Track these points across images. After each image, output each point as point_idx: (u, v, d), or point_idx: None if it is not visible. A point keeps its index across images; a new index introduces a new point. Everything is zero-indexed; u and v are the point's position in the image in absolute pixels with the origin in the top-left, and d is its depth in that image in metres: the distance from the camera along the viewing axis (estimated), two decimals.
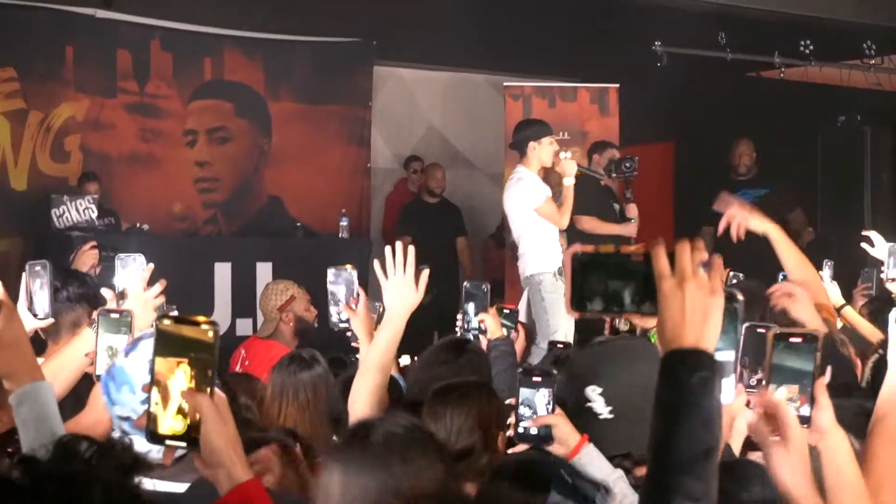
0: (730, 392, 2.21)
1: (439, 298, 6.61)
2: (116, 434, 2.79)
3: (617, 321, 5.95)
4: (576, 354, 3.17)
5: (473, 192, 11.88)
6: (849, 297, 6.28)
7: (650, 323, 3.05)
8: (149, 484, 1.70)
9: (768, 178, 10.23)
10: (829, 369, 2.44)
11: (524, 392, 2.99)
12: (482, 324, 4.75)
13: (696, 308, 1.86)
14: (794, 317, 4.07)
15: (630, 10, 9.74)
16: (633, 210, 9.10)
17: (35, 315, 3.60)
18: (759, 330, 3.46)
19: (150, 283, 3.54)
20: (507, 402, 3.07)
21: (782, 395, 2.32)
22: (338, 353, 5.43)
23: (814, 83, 10.81)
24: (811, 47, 10.15)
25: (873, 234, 5.96)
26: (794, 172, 10.45)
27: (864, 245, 6.00)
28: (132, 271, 3.52)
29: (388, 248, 3.56)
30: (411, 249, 3.55)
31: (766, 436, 2.22)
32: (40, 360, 3.07)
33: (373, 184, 11.79)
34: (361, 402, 3.44)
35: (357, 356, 4.79)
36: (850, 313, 5.43)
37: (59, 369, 3.28)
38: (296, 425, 4.34)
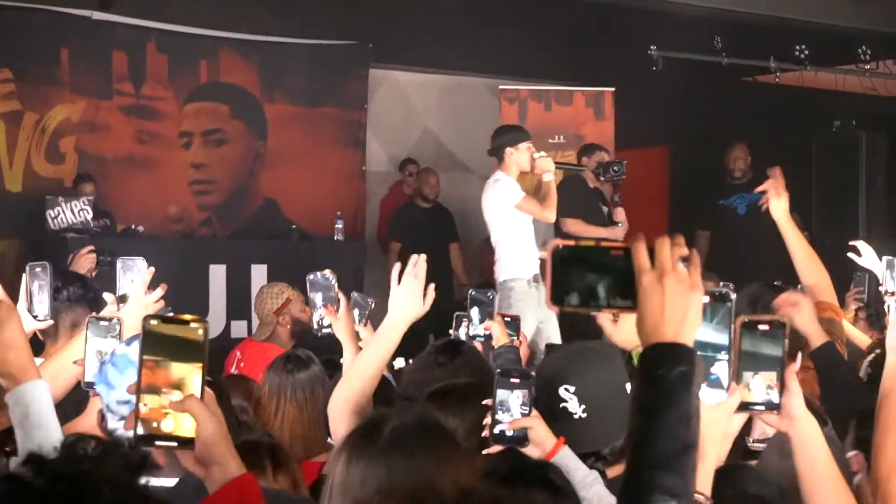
0: (720, 392, 2.23)
1: (433, 303, 6.63)
2: (112, 421, 2.81)
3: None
4: (547, 356, 3.20)
5: (468, 195, 11.88)
6: (841, 302, 6.32)
7: (629, 345, 3.10)
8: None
9: (763, 183, 10.24)
10: (799, 356, 2.47)
11: (501, 393, 2.99)
12: (487, 331, 4.77)
13: (676, 303, 1.86)
14: (797, 326, 4.08)
15: (626, 15, 9.78)
16: (620, 214, 9.09)
17: (35, 317, 3.59)
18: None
19: (150, 286, 3.54)
20: (484, 403, 3.04)
21: (758, 384, 2.34)
22: (331, 355, 5.47)
23: (809, 88, 10.87)
24: (806, 52, 10.20)
25: (861, 244, 5.98)
26: (788, 177, 10.39)
27: (851, 255, 6.01)
28: (134, 275, 3.52)
29: (412, 257, 3.52)
30: (423, 260, 3.53)
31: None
32: (38, 361, 3.12)
33: (368, 187, 11.81)
34: (340, 406, 3.39)
35: None
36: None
37: (59, 371, 3.30)
38: (293, 425, 4.37)
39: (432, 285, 3.50)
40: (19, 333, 2.72)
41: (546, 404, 3.05)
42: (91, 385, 3.05)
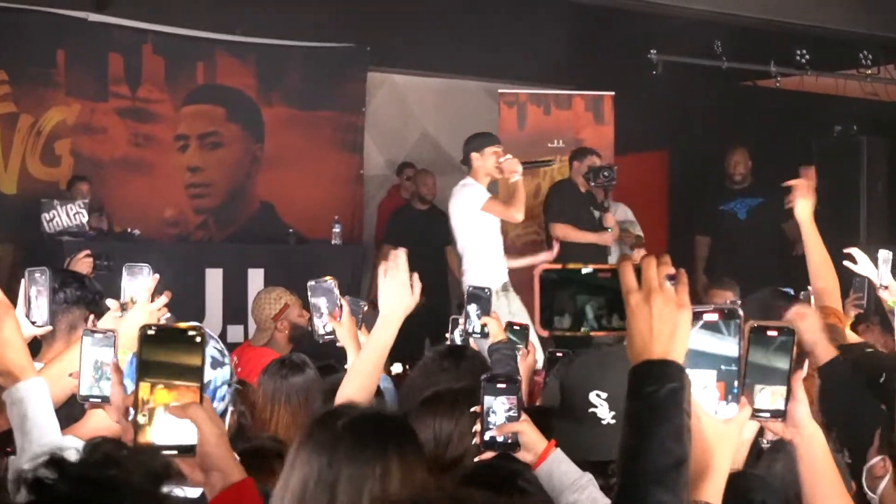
0: (733, 406, 2.25)
1: (429, 306, 6.67)
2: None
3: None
4: (576, 360, 3.22)
5: None
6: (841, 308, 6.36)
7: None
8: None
9: (763, 188, 10.29)
10: (806, 363, 2.48)
11: (488, 400, 3.00)
12: (485, 327, 4.79)
13: (664, 321, 1.90)
14: (805, 339, 4.09)
15: (626, 18, 9.80)
16: (609, 219, 9.07)
17: (33, 322, 3.59)
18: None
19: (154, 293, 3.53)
20: (472, 409, 3.06)
21: (766, 398, 2.36)
22: (329, 360, 5.51)
23: (809, 93, 10.88)
24: (807, 56, 10.22)
25: (855, 252, 6.01)
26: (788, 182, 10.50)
27: (847, 263, 6.05)
28: (139, 282, 3.53)
29: (391, 251, 3.58)
30: (402, 252, 3.56)
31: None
32: (38, 366, 3.15)
33: (366, 190, 11.84)
34: (346, 398, 3.39)
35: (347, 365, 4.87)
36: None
37: (59, 375, 3.31)
38: (288, 430, 4.40)
39: (416, 275, 3.54)
40: (17, 332, 2.75)
41: (572, 409, 3.06)
42: (87, 399, 3.06)
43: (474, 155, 8.10)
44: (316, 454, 2.43)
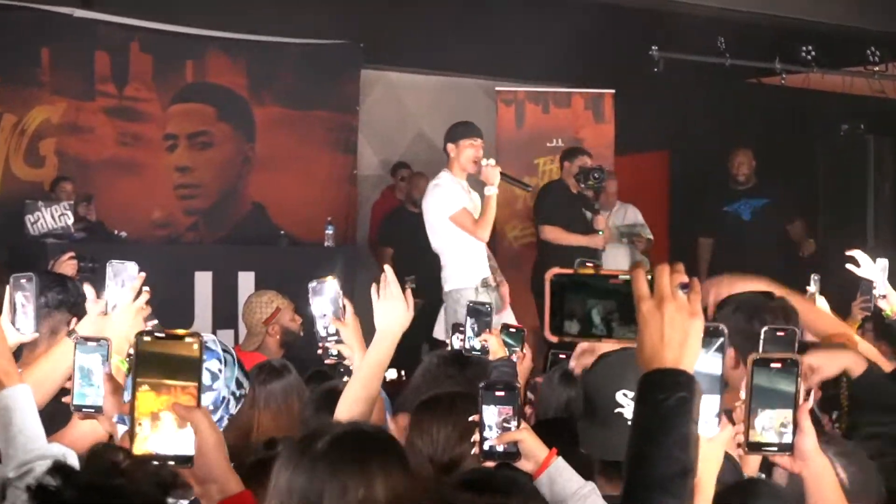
0: (714, 424, 2.26)
1: (424, 310, 6.61)
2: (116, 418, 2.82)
3: None
4: (600, 361, 3.20)
5: None
6: (848, 311, 6.32)
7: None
8: None
9: (768, 188, 10.27)
10: (812, 393, 2.49)
11: (487, 408, 3.01)
12: (485, 343, 4.76)
13: (676, 330, 1.93)
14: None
15: (626, 14, 9.78)
16: (600, 222, 9.03)
17: (18, 330, 3.54)
18: (779, 333, 3.49)
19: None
20: (471, 419, 3.06)
21: (771, 423, 2.36)
22: (321, 366, 5.45)
23: (815, 90, 10.87)
24: (813, 53, 10.20)
25: (858, 254, 5.99)
26: (794, 182, 10.49)
27: (849, 266, 6.02)
28: (123, 279, 3.47)
29: (387, 268, 3.65)
30: (389, 270, 3.61)
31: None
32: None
33: (359, 191, 11.81)
34: (347, 413, 3.44)
35: (342, 369, 4.82)
36: None
37: (41, 381, 3.27)
38: (268, 435, 4.36)
39: (409, 290, 3.60)
40: (1, 339, 2.72)
41: (597, 411, 3.05)
42: (79, 408, 3.03)
43: (450, 146, 7.84)
44: (297, 475, 2.44)
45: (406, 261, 9.71)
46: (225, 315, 9.20)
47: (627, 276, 1.95)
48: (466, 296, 7.47)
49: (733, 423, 2.41)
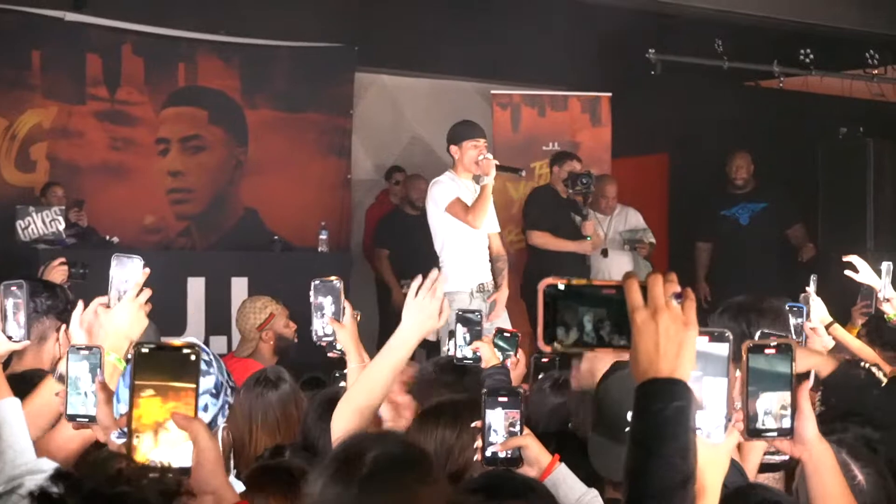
0: (721, 431, 2.26)
1: None
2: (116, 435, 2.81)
3: None
4: (610, 378, 3.20)
5: None
6: (848, 316, 6.32)
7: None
8: None
9: (767, 192, 10.29)
10: (811, 374, 2.50)
11: (490, 414, 3.02)
12: (476, 352, 4.75)
13: (671, 340, 1.94)
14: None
15: (623, 16, 9.78)
16: (588, 228, 9.02)
17: (9, 338, 3.53)
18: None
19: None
20: (473, 425, 3.07)
21: (770, 409, 2.36)
22: (315, 372, 5.45)
23: (814, 93, 10.87)
24: (812, 56, 10.21)
25: (856, 259, 5.99)
26: (793, 186, 10.50)
27: (848, 272, 6.02)
28: (128, 274, 3.44)
29: (433, 272, 3.57)
30: (443, 278, 3.55)
31: None
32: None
33: (353, 196, 11.80)
34: (343, 422, 3.40)
35: (338, 373, 4.81)
36: (839, 331, 5.42)
37: (35, 416, 3.21)
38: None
39: (446, 301, 3.53)
40: None
41: (607, 424, 3.05)
42: (73, 418, 3.02)
43: (453, 147, 7.92)
44: (347, 493, 2.39)
45: (402, 263, 9.73)
46: (218, 321, 9.18)
47: (620, 286, 1.96)
48: (459, 300, 7.53)
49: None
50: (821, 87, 10.83)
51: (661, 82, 10.44)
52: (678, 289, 1.97)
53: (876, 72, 10.40)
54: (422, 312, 3.47)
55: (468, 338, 4.78)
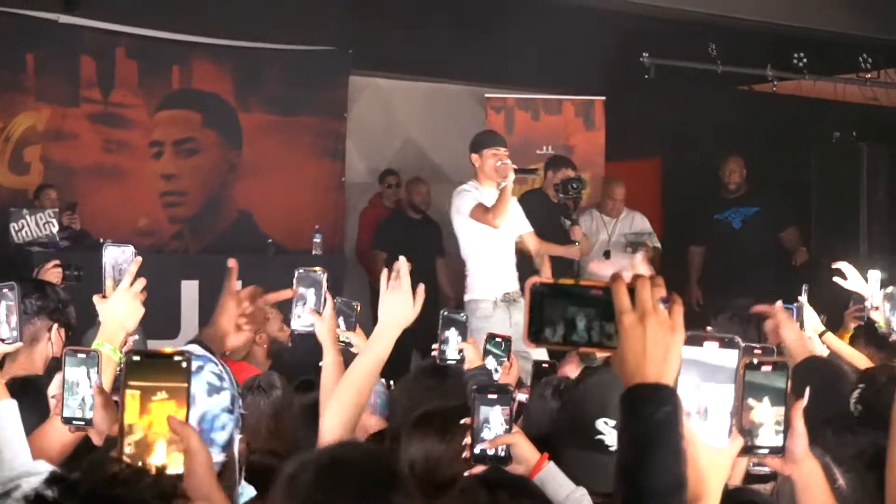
0: (724, 436, 2.26)
1: (418, 319, 6.59)
2: None
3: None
4: (582, 385, 3.21)
5: None
6: (841, 321, 6.35)
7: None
8: None
9: (760, 196, 10.30)
10: (807, 392, 2.51)
11: (480, 411, 3.03)
12: (461, 353, 4.76)
13: (658, 344, 1.93)
14: (783, 337, 4.16)
15: (617, 20, 9.80)
16: (577, 233, 9.02)
17: (2, 340, 3.55)
18: (756, 350, 3.55)
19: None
20: (462, 422, 3.07)
21: (764, 426, 2.38)
22: (308, 376, 5.45)
23: (807, 97, 10.91)
24: (805, 60, 10.24)
25: (844, 266, 6.02)
26: (786, 190, 10.52)
27: (836, 279, 6.05)
28: (121, 263, 3.44)
29: (398, 261, 3.55)
30: (405, 263, 3.52)
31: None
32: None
33: (347, 199, 11.80)
34: (333, 424, 3.40)
35: None
36: (832, 339, 5.46)
37: (48, 446, 3.17)
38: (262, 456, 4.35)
39: (421, 286, 3.51)
40: None
41: (581, 434, 3.07)
42: (69, 421, 3.02)
43: (474, 156, 8.05)
44: None
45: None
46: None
47: (607, 287, 1.96)
48: (481, 307, 7.70)
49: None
50: (814, 91, 10.86)
51: (655, 86, 10.47)
52: (664, 293, 1.97)
53: (869, 76, 10.44)
54: (395, 304, 3.49)
55: (452, 339, 4.79)
